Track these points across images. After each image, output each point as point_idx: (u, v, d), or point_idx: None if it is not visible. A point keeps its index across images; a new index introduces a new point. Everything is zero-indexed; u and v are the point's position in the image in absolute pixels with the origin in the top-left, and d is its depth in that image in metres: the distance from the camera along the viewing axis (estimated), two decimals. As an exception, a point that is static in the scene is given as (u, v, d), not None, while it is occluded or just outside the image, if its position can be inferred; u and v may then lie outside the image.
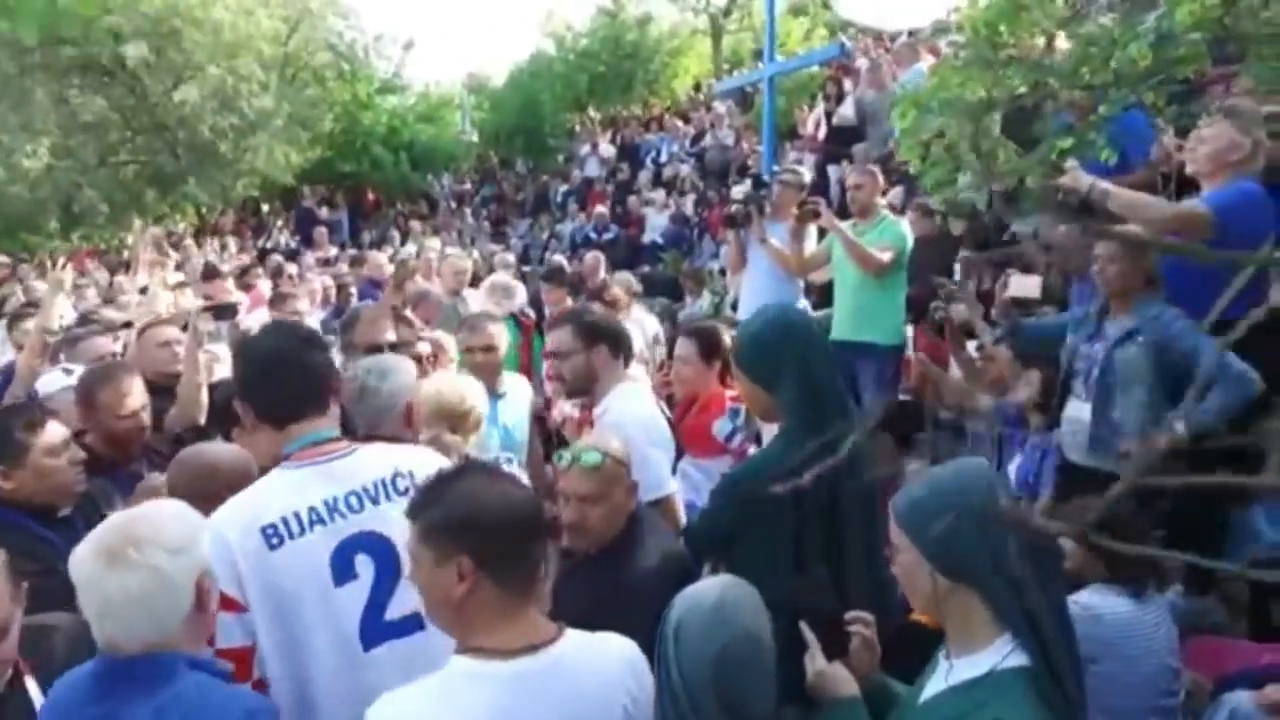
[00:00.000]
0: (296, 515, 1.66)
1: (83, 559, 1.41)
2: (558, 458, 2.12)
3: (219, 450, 2.24)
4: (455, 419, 2.61)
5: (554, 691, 1.36)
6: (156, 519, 1.48)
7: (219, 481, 1.94)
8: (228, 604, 1.59)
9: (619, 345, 2.87)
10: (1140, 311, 2.93)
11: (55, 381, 3.13)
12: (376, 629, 1.69)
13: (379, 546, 1.70)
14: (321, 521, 1.67)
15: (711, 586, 1.55)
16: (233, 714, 1.43)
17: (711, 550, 2.14)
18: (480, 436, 2.78)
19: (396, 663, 1.66)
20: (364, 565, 1.69)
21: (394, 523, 1.64)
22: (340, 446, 1.77)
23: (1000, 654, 1.26)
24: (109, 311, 5.13)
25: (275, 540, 1.64)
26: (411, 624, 1.69)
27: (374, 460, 1.79)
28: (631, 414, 2.67)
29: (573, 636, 1.43)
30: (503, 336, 3.31)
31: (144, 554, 1.39)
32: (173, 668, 1.41)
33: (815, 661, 1.49)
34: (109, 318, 4.82)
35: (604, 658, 1.45)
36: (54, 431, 2.34)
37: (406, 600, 1.65)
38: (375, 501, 1.73)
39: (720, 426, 3.12)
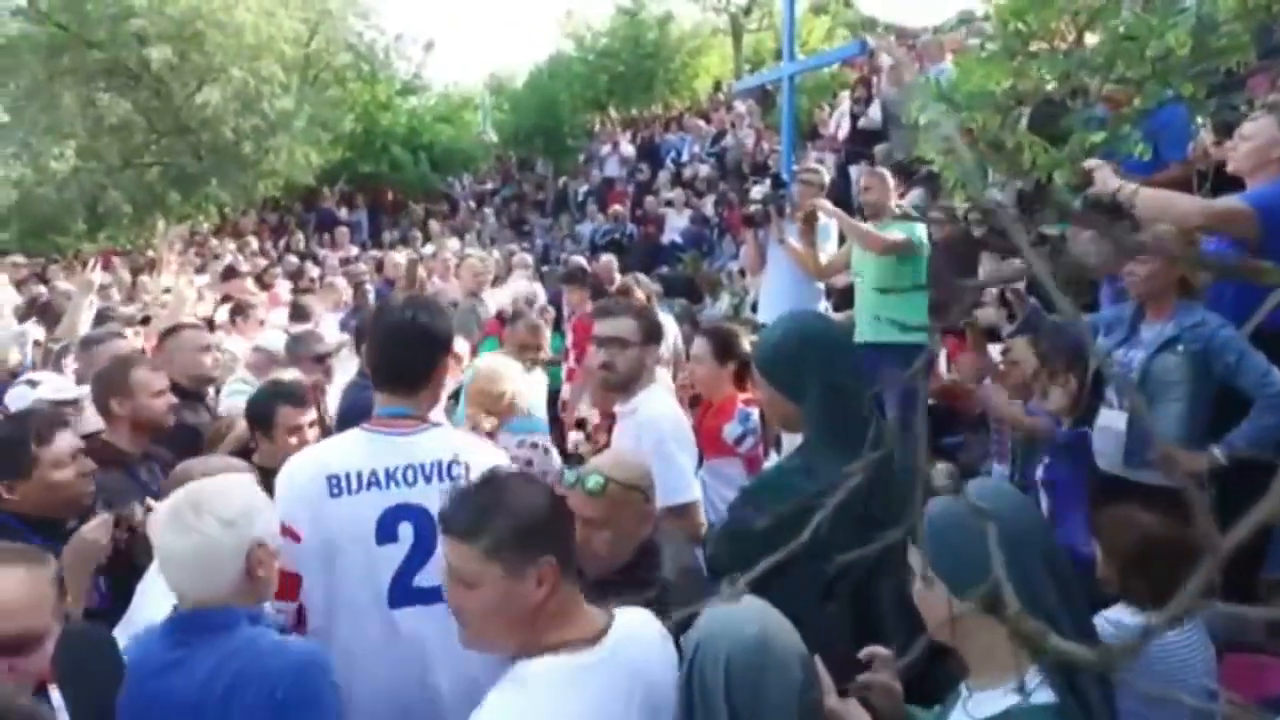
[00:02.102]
0: (359, 474, 1.85)
1: (157, 516, 1.63)
2: (564, 477, 2.06)
3: (213, 465, 2.22)
4: (489, 400, 2.91)
5: (633, 664, 1.42)
6: (221, 490, 1.66)
7: None
8: (290, 533, 1.81)
9: (660, 346, 2.86)
10: (1180, 318, 2.81)
11: (23, 396, 3.09)
12: (404, 592, 1.85)
13: (421, 519, 1.86)
14: (378, 485, 1.86)
15: (746, 615, 1.43)
16: (291, 662, 1.57)
17: (732, 569, 2.04)
18: (523, 412, 3.10)
19: (417, 624, 1.84)
20: (405, 532, 1.87)
21: (436, 501, 1.78)
22: (412, 425, 1.94)
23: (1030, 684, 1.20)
24: (125, 309, 5.17)
25: (336, 489, 1.84)
26: (436, 595, 1.76)
27: (438, 443, 1.95)
28: (663, 415, 2.61)
29: (616, 611, 1.49)
30: None
31: (200, 520, 1.57)
32: (235, 621, 1.58)
33: (828, 700, 1.41)
34: (126, 314, 4.86)
35: (645, 626, 1.51)
36: (63, 443, 2.27)
37: (435, 573, 1.76)
38: (428, 480, 1.89)
39: (730, 430, 3.05)
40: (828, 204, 4.82)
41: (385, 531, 1.85)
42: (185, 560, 1.57)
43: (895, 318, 4.59)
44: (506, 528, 1.37)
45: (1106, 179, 2.73)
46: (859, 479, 0.60)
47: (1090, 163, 2.61)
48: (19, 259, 10.14)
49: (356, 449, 1.91)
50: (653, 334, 2.75)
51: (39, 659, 1.54)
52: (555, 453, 3.29)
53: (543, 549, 1.38)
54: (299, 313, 5.65)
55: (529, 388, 3.50)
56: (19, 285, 8.70)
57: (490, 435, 2.91)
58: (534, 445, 3.11)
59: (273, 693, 1.52)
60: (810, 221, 4.84)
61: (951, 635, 1.25)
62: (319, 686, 1.59)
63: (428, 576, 1.83)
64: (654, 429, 2.53)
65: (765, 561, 0.62)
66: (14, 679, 1.45)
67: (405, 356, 1.98)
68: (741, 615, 1.40)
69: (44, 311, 5.74)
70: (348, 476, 1.85)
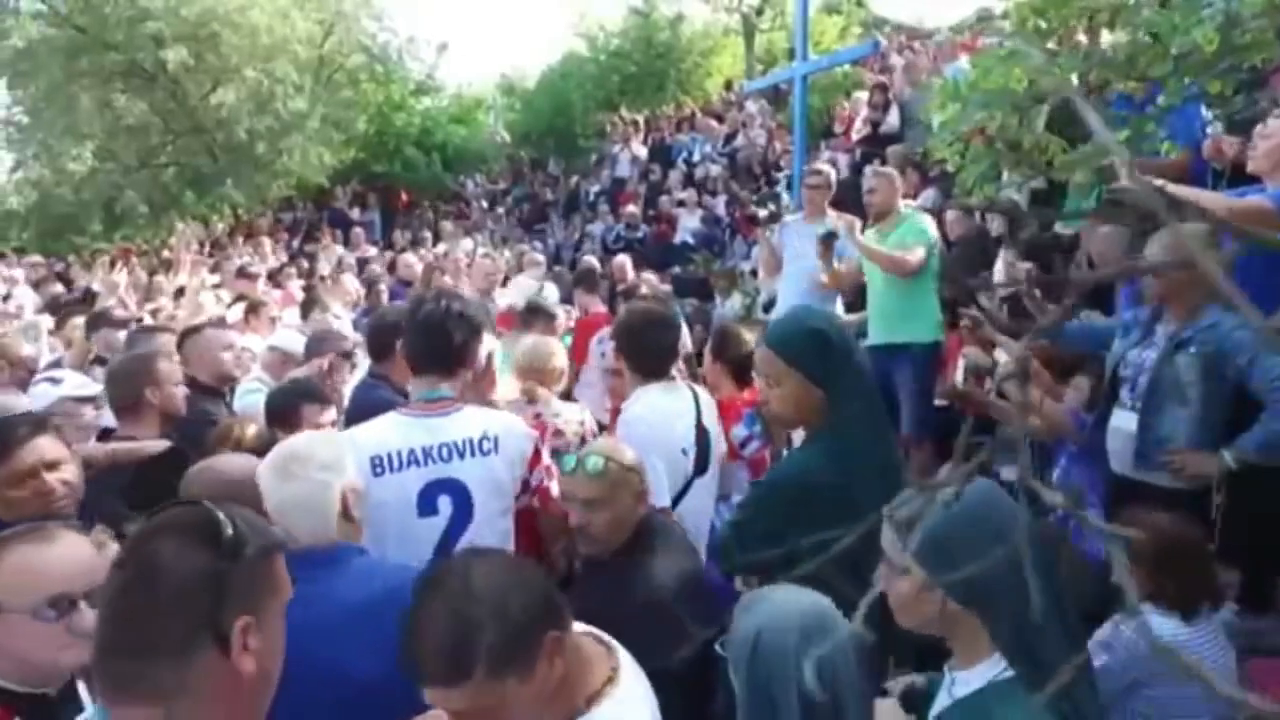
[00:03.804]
0: (399, 453, 2.03)
1: (262, 473, 1.78)
2: (564, 462, 2.11)
3: (235, 463, 2.22)
4: (543, 374, 3.13)
5: (642, 683, 1.41)
6: (311, 443, 1.84)
7: (231, 491, 1.93)
8: None
9: (637, 355, 2.70)
10: (1195, 319, 2.77)
11: (45, 394, 3.11)
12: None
13: (458, 492, 2.05)
14: (416, 463, 2.04)
15: (800, 600, 1.45)
16: (400, 584, 1.65)
17: (752, 563, 2.03)
18: (563, 386, 3.31)
19: None
20: (444, 504, 2.05)
21: (471, 475, 2.06)
22: (445, 406, 2.13)
23: (999, 666, 1.26)
24: (120, 310, 5.15)
25: (379, 469, 2.01)
26: None
27: (468, 422, 2.13)
28: (639, 417, 2.55)
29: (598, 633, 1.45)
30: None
31: (305, 469, 1.74)
32: (348, 554, 1.76)
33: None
34: (121, 317, 4.84)
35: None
36: (27, 457, 2.15)
37: (474, 539, 2.02)
38: (461, 456, 2.08)
39: (735, 433, 3.01)
40: (855, 234, 4.76)
41: (426, 505, 2.04)
42: (297, 504, 1.73)
43: (906, 320, 4.58)
44: (497, 643, 1.17)
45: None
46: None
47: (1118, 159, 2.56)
48: (38, 259, 10.24)
49: (394, 431, 2.09)
50: (617, 340, 2.79)
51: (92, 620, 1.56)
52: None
53: (542, 629, 1.22)
54: (310, 305, 5.67)
55: None
56: (37, 285, 8.77)
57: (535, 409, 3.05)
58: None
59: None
60: (829, 242, 4.81)
61: (938, 628, 1.31)
62: None
63: (466, 543, 2.02)
64: (624, 428, 2.53)
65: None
66: (76, 641, 1.44)
67: (440, 341, 2.16)
68: (796, 601, 1.43)
69: (57, 310, 5.78)
70: (389, 456, 2.02)
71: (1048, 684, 1.16)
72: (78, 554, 1.55)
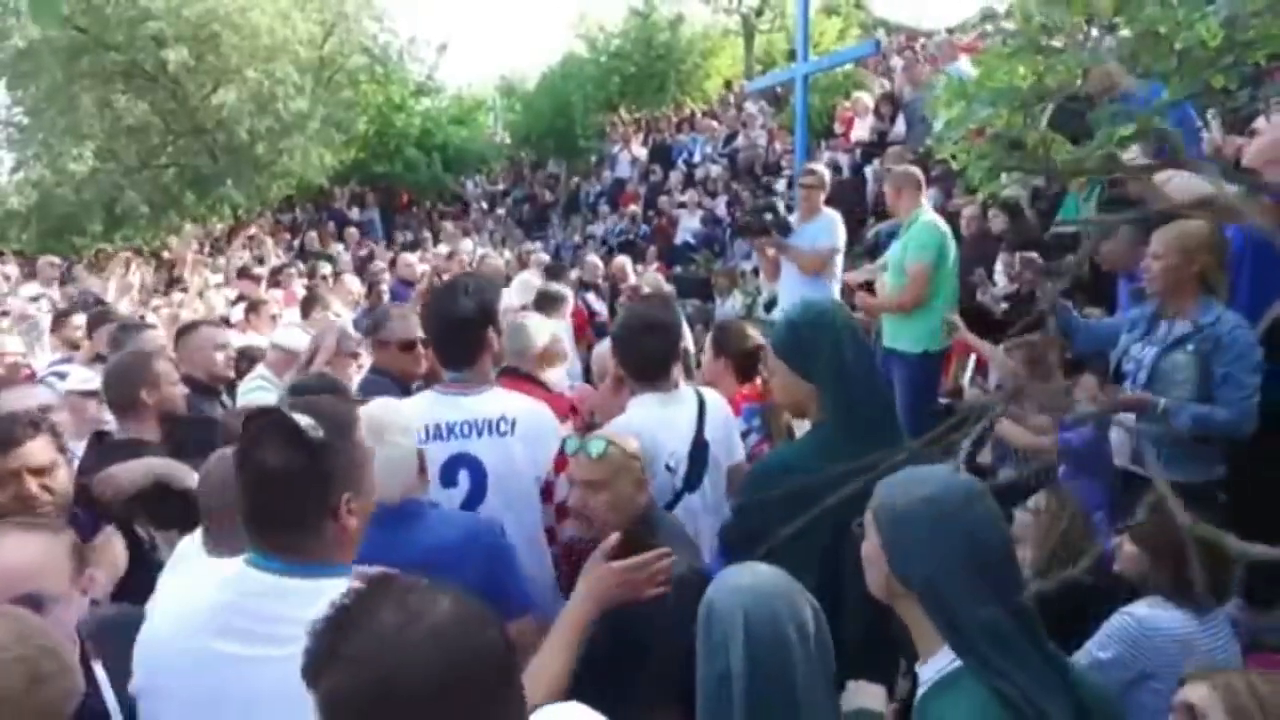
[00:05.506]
0: (426, 427, 2.18)
1: None
2: (567, 444, 2.14)
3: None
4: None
5: None
6: (390, 410, 2.00)
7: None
8: None
9: (633, 361, 2.57)
10: (1196, 316, 2.78)
11: (51, 387, 3.12)
12: None
13: (475, 467, 2.20)
14: (440, 437, 2.20)
15: (746, 571, 1.50)
16: (488, 524, 2.04)
17: (745, 547, 2.05)
18: (569, 365, 3.37)
19: None
20: (463, 478, 2.20)
21: (485, 451, 2.21)
22: (473, 387, 2.30)
23: (948, 657, 1.28)
24: (122, 311, 5.18)
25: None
26: None
27: (491, 402, 2.28)
28: (620, 425, 2.43)
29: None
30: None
31: (391, 434, 1.89)
32: (422, 509, 1.96)
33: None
34: (123, 315, 4.87)
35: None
36: (6, 462, 2.11)
37: (485, 510, 2.18)
38: (480, 434, 2.23)
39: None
40: (869, 302, 4.86)
41: (448, 477, 2.18)
42: (387, 467, 1.84)
43: (899, 326, 4.62)
44: (348, 681, 0.89)
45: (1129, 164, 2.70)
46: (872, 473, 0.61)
47: (1128, 155, 2.58)
48: (55, 259, 10.22)
49: (426, 405, 2.27)
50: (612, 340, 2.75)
51: (51, 623, 1.54)
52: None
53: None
54: (311, 303, 5.67)
55: None
56: (62, 283, 8.75)
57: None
58: None
59: (488, 545, 1.94)
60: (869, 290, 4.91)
61: (882, 592, 1.36)
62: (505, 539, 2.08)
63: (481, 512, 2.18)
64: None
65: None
66: None
67: (448, 335, 2.32)
68: (742, 572, 1.50)
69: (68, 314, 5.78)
70: (420, 429, 2.11)
71: (994, 678, 1.21)
72: (21, 557, 1.56)
